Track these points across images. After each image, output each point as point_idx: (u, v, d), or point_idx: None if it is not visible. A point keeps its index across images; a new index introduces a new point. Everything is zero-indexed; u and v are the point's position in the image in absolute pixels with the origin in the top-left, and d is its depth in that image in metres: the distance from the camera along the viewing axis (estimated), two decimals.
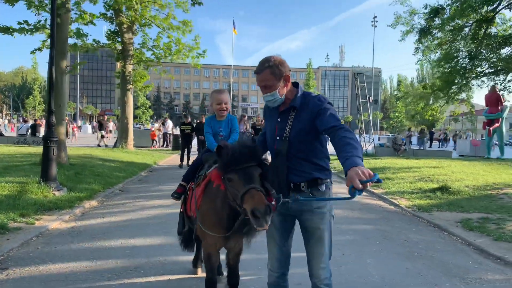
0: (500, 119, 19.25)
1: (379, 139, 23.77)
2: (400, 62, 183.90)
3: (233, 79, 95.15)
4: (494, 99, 18.79)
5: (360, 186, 1.88)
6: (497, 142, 21.58)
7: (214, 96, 3.57)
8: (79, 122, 58.53)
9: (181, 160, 14.51)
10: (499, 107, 19.00)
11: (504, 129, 19.85)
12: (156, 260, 4.65)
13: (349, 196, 2.00)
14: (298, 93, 2.57)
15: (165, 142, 26.30)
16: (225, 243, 2.86)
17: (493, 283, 4.30)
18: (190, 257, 4.48)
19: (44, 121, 34.42)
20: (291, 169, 2.52)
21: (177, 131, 26.45)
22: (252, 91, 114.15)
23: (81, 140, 28.50)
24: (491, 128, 19.40)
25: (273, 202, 2.30)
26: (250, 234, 2.67)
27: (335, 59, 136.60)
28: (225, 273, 3.56)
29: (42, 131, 28.99)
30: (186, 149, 14.61)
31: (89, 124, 57.90)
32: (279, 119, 2.61)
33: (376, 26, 48.18)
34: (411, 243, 5.69)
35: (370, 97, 24.42)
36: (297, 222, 2.68)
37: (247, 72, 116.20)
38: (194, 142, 15.31)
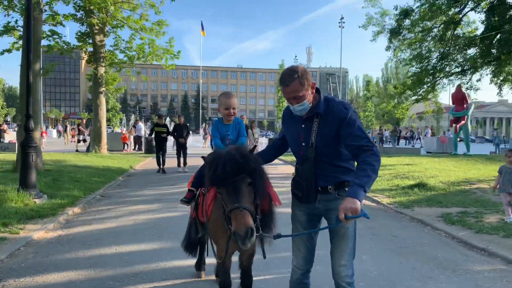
0: (466, 116, 20.14)
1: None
2: (365, 63, 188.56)
3: (202, 80, 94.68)
4: (460, 98, 19.62)
5: (345, 221, 2.21)
6: (460, 138, 22.50)
7: (222, 100, 3.45)
8: (43, 127, 56.40)
9: (158, 164, 13.83)
10: (465, 105, 19.88)
11: (469, 126, 20.78)
12: (156, 265, 4.61)
13: (332, 224, 2.45)
14: (320, 98, 2.61)
15: (137, 145, 25.84)
16: (238, 247, 2.79)
17: (482, 273, 4.54)
18: (189, 261, 4.47)
19: (5, 126, 33.13)
20: (318, 174, 2.58)
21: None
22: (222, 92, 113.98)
23: (48, 145, 27.53)
24: (457, 126, 20.27)
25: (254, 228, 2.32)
26: (262, 239, 2.73)
27: (302, 60, 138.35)
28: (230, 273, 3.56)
29: (6, 137, 27.81)
30: (161, 152, 13.81)
31: (54, 129, 55.95)
32: (303, 125, 2.63)
33: (343, 27, 49.12)
34: (399, 239, 5.90)
35: (337, 96, 24.90)
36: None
37: (216, 72, 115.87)
38: (169, 144, 15.15)
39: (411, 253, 5.25)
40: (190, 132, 15.11)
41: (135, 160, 17.40)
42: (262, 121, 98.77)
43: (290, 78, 2.48)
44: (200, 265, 4.29)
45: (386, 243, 5.63)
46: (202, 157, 2.43)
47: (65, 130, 31.59)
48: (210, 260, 4.23)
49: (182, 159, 13.90)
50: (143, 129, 26.87)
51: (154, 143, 15.56)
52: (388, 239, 5.84)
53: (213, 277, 4.17)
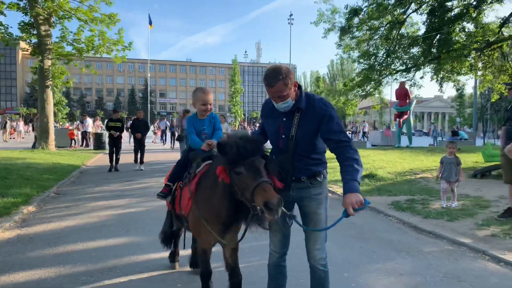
0: (409, 111, 21.47)
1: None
2: (312, 59, 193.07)
3: (150, 73, 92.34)
4: (403, 94, 20.91)
5: (354, 213, 2.38)
6: (405, 132, 23.90)
7: (199, 96, 3.51)
8: None
9: (111, 162, 12.79)
10: (407, 101, 21.19)
11: (411, 120, 22.16)
12: (128, 259, 4.63)
13: (340, 217, 2.53)
14: (302, 94, 2.75)
15: (85, 141, 24.89)
16: (221, 239, 2.87)
17: (432, 253, 5.01)
18: (161, 254, 4.55)
19: None
20: (295, 165, 2.75)
21: (98, 130, 25.22)
22: (171, 86, 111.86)
23: None
24: (401, 120, 21.56)
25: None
26: (252, 224, 2.74)
27: (252, 55, 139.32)
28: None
29: None
30: (114, 148, 12.87)
31: None
32: (284, 119, 2.77)
33: (292, 24, 50.09)
34: (357, 226, 6.32)
35: None
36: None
37: (164, 66, 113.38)
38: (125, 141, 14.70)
39: (369, 238, 5.66)
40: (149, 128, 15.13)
41: (85, 156, 16.82)
42: None
43: (275, 79, 2.59)
44: (174, 257, 4.37)
45: (346, 230, 6.02)
46: (220, 142, 2.50)
47: (4, 126, 29.60)
48: (183, 252, 4.36)
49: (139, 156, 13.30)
50: (91, 124, 25.94)
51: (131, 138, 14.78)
52: (348, 226, 6.24)
53: (188, 268, 4.28)
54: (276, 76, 2.59)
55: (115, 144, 12.94)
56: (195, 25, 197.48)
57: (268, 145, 2.95)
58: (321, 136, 2.73)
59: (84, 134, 24.96)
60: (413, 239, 5.63)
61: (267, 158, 2.56)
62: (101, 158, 16.43)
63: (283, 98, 2.65)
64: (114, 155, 12.86)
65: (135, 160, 13.43)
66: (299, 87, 2.78)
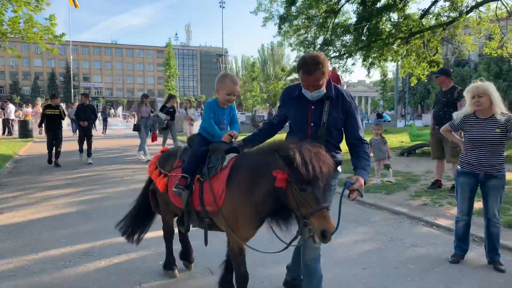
0: None
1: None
2: (243, 43, 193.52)
3: (72, 56, 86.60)
4: (335, 79, 22.08)
5: (356, 195, 2.57)
6: None
7: (227, 85, 3.12)
8: None
9: (50, 155, 10.94)
10: (339, 85, 22.48)
11: None
12: (101, 243, 4.74)
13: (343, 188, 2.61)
14: (330, 83, 2.75)
15: (7, 129, 23.09)
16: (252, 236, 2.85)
17: (377, 222, 5.73)
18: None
19: None
20: None
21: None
22: (95, 69, 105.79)
23: None
24: None
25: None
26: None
27: (182, 38, 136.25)
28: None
29: None
30: (54, 141, 10.94)
31: None
32: (312, 107, 2.77)
33: (224, 7, 49.93)
34: None
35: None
36: None
37: (87, 48, 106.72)
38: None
39: None
40: (98, 116, 13.88)
41: (14, 145, 15.79)
42: None
43: (315, 68, 2.57)
44: (188, 255, 3.98)
45: None
46: (290, 154, 2.29)
47: None
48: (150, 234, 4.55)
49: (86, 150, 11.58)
50: (13, 111, 24.12)
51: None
52: None
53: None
54: (316, 64, 2.57)
55: (55, 135, 10.96)
56: (119, 5, 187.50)
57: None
58: (345, 128, 2.82)
59: (7, 122, 23.17)
60: (358, 211, 6.32)
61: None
62: (34, 147, 15.57)
63: (318, 87, 2.65)
64: (54, 148, 10.98)
65: (80, 150, 11.85)
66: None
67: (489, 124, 3.76)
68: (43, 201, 6.87)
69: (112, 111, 49.44)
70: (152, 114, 12.07)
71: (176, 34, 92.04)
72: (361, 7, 15.48)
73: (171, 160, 3.45)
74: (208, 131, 3.19)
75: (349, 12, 15.90)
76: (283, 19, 15.39)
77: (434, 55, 16.22)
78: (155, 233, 5.08)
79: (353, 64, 21.18)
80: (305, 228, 2.29)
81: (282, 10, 15.49)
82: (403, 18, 15.92)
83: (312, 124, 2.77)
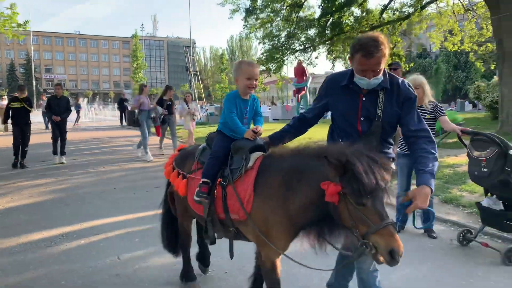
0: (306, 87, 23.51)
1: (206, 109, 25.83)
2: (211, 34, 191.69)
3: (33, 46, 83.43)
4: (300, 71, 22.76)
5: (424, 207, 2.11)
6: (303, 107, 26.10)
7: (244, 69, 2.81)
8: None
9: (16, 154, 9.57)
10: (304, 78, 23.17)
11: (308, 96, 24.29)
12: (79, 226, 5.05)
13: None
14: (384, 71, 2.41)
15: None
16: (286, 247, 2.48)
17: None
18: (113, 218, 5.15)
19: None
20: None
21: None
22: (57, 60, 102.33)
23: None
24: (299, 95, 23.55)
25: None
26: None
27: (148, 29, 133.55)
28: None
29: None
30: (21, 139, 9.63)
31: None
32: (363, 98, 2.43)
33: None
34: None
35: (191, 69, 25.96)
36: None
37: (49, 39, 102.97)
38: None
39: None
40: (71, 109, 11.16)
41: None
42: (109, 92, 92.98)
43: (377, 49, 2.25)
44: (206, 260, 3.65)
45: None
46: (346, 161, 1.94)
47: None
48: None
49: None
50: None
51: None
52: None
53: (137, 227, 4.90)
54: (377, 46, 2.25)
55: (22, 131, 9.68)
56: None
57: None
58: (401, 121, 2.46)
59: None
60: None
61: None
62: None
63: (377, 72, 2.32)
64: (20, 146, 9.64)
65: (54, 152, 10.14)
66: None
67: (420, 112, 4.39)
68: (16, 191, 7.05)
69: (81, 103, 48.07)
70: (152, 106, 10.98)
71: (142, 24, 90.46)
72: (324, 2, 16.11)
73: (189, 161, 3.08)
74: (229, 127, 2.81)
75: (314, 7, 16.45)
76: (249, 12, 15.81)
77: (393, 48, 17.08)
78: (133, 215, 5.50)
79: (317, 57, 21.48)
80: (364, 248, 1.95)
81: (248, 3, 15.90)
82: (364, 13, 16.69)
83: (362, 119, 2.43)
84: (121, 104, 24.09)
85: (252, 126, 2.89)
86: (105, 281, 3.52)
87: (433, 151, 2.33)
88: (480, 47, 16.80)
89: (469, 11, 16.68)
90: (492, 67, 17.60)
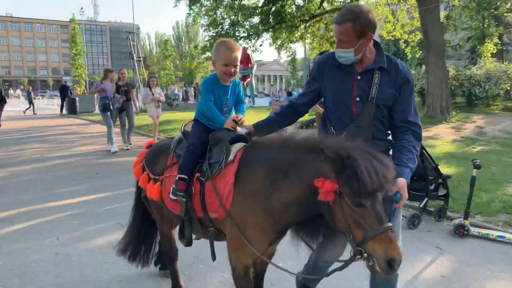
0: (251, 74, 23.88)
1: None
2: (156, 19, 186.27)
3: None
4: (245, 59, 23.05)
5: (402, 202, 2.01)
6: (248, 93, 26.51)
7: (223, 53, 2.45)
8: None
9: None
10: (249, 65, 23.52)
11: (253, 83, 24.70)
12: (16, 211, 5.05)
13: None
14: (381, 52, 2.30)
15: None
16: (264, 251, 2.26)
17: None
18: (61, 202, 5.20)
19: None
20: (374, 135, 2.26)
21: None
22: None
23: None
24: (245, 83, 23.89)
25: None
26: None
27: (89, 13, 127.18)
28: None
29: None
30: None
31: None
32: (358, 77, 2.26)
33: None
34: None
35: (134, 55, 25.41)
36: None
37: None
38: None
39: None
40: (6, 98, 10.50)
41: None
42: (47, 79, 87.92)
43: (345, 17, 2.15)
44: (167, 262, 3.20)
45: None
46: (346, 156, 1.73)
47: None
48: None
49: None
50: None
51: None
52: None
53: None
54: (346, 14, 2.15)
55: None
56: None
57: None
58: (394, 107, 2.28)
59: None
60: None
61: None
62: None
63: (343, 44, 2.19)
64: None
65: None
66: (378, 44, 2.34)
67: None
68: None
69: (11, 91, 45.10)
70: (118, 95, 9.70)
71: (82, 8, 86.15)
72: None
73: (162, 157, 2.74)
74: (207, 116, 2.53)
75: None
76: (193, 0, 15.77)
77: (332, 37, 17.80)
78: (73, 200, 5.58)
79: (261, 44, 22.08)
80: (357, 257, 1.76)
81: None
82: (306, 1, 17.23)
83: (358, 99, 2.26)
84: (63, 91, 23.10)
85: (233, 114, 2.59)
86: (43, 259, 3.66)
87: (417, 149, 2.23)
88: (410, 35, 17.92)
89: (401, 1, 17.73)
90: (418, 55, 18.85)
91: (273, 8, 16.33)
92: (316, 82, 2.44)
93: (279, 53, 18.51)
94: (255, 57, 21.10)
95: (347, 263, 1.88)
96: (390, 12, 18.42)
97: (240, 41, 16.74)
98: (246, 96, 27.00)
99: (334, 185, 1.76)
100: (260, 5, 16.21)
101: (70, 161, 8.57)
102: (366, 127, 2.22)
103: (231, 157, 2.28)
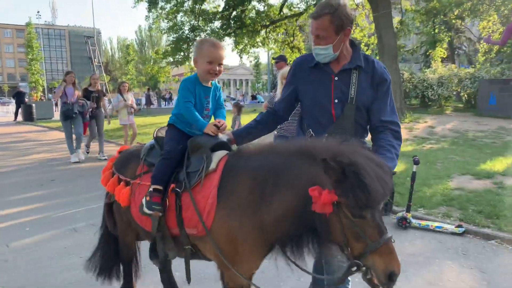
0: None
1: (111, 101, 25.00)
2: (118, 23, 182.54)
3: None
4: None
5: None
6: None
7: (206, 50, 2.28)
8: None
9: None
10: None
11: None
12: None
13: None
14: (359, 51, 2.23)
15: None
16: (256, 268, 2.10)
17: None
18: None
19: None
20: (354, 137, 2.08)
21: None
22: None
23: None
24: None
25: None
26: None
27: (46, 17, 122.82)
28: None
29: None
30: None
31: None
32: (336, 78, 2.19)
33: None
34: None
35: (95, 60, 24.90)
36: None
37: None
38: None
39: None
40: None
41: None
42: (2, 86, 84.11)
43: (322, 11, 2.07)
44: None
45: None
46: (348, 163, 1.57)
47: None
48: None
49: None
50: None
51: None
52: None
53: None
54: (324, 8, 2.07)
55: None
56: None
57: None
58: (371, 107, 2.21)
59: None
60: None
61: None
62: None
63: (321, 40, 2.11)
64: None
65: None
66: (353, 43, 2.27)
67: None
68: None
69: None
70: (81, 100, 8.86)
71: (39, 12, 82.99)
72: None
73: (132, 164, 2.50)
74: (185, 120, 2.32)
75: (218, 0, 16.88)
76: (152, 3, 15.65)
77: (292, 42, 18.20)
78: (25, 207, 5.45)
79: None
80: (355, 270, 1.64)
81: None
82: (266, 7, 17.52)
83: (336, 101, 2.18)
84: (18, 98, 22.27)
85: (212, 119, 2.39)
86: None
87: (398, 148, 2.13)
88: (369, 38, 18.58)
89: (359, 6, 18.34)
90: (377, 58, 19.54)
91: (234, 13, 16.49)
92: (291, 85, 2.37)
93: (241, 58, 18.73)
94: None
95: (343, 277, 1.73)
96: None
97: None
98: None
99: (333, 195, 1.60)
100: (220, 10, 16.32)
101: (24, 168, 8.34)
102: (347, 129, 2.13)
103: (212, 165, 2.07)
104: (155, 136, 2.48)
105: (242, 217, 1.90)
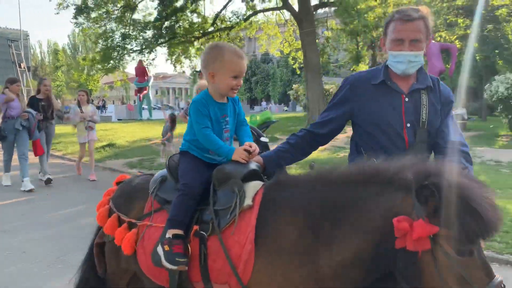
0: (147, 87, 23.86)
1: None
2: (49, 25, 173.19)
3: None
4: (141, 71, 23.02)
5: None
6: (145, 106, 26.34)
7: (229, 62, 1.88)
8: None
9: None
10: (146, 78, 23.50)
11: (151, 95, 24.69)
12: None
13: None
14: (423, 70, 2.03)
15: None
16: None
17: None
18: None
19: None
20: None
21: None
22: None
23: None
24: (141, 95, 23.78)
25: None
26: None
27: None
28: None
29: None
30: None
31: None
32: (406, 99, 1.95)
33: None
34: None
35: (22, 64, 23.81)
36: None
37: None
38: None
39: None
40: None
41: None
42: None
43: (415, 13, 1.88)
44: None
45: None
46: (451, 185, 1.29)
47: None
48: None
49: None
50: None
51: None
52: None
53: None
54: (417, 11, 1.89)
55: None
56: None
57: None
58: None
59: None
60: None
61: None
62: None
63: (418, 45, 1.88)
64: None
65: None
66: None
67: None
68: None
69: None
70: (25, 113, 7.19)
71: None
72: (160, 5, 16.69)
73: (138, 199, 2.06)
74: (205, 146, 1.94)
75: (150, 9, 16.84)
76: (79, 10, 15.33)
77: None
78: None
79: (153, 59, 21.87)
80: None
81: (79, 0, 15.41)
82: (199, 18, 17.86)
83: (408, 125, 1.94)
84: None
85: (245, 143, 1.96)
86: None
87: (470, 163, 1.95)
88: (297, 53, 19.56)
89: (288, 22, 19.28)
90: (298, 72, 20.58)
91: (166, 24, 16.63)
92: (346, 105, 2.05)
93: (175, 67, 18.83)
94: (152, 70, 21.14)
95: None
96: (279, 30, 19.89)
97: (133, 55, 16.70)
98: (144, 108, 26.75)
99: (433, 226, 1.27)
100: (152, 20, 16.38)
101: None
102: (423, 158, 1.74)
103: (248, 201, 1.67)
104: (167, 164, 2.04)
105: (291, 267, 1.50)
